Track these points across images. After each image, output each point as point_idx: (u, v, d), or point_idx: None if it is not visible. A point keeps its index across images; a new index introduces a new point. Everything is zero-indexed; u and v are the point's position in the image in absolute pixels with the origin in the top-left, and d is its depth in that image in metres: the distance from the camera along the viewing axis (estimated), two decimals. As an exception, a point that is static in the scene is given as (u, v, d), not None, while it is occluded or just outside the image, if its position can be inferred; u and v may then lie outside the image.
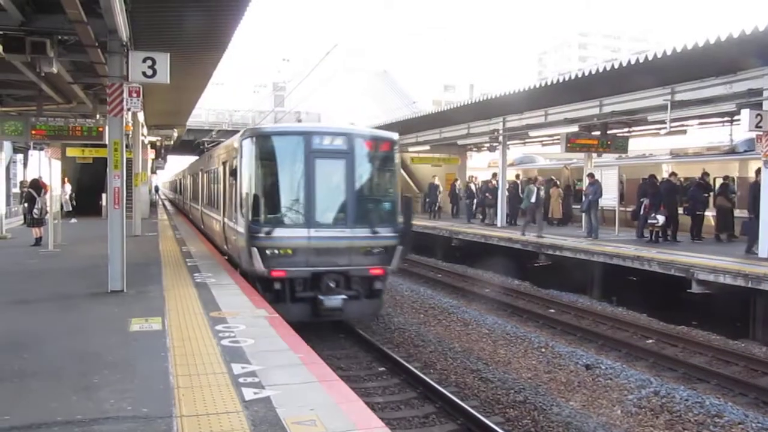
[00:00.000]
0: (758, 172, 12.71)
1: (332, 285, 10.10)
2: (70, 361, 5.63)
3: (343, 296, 10.09)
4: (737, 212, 15.93)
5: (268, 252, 9.97)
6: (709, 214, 16.66)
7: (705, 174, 16.63)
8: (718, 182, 16.89)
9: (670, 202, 15.50)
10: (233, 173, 11.42)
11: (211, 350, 6.00)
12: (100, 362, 5.56)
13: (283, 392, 4.83)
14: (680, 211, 16.19)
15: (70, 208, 19.25)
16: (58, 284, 9.87)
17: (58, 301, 8.52)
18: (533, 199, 17.22)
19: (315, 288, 10.09)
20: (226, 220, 12.77)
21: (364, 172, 10.91)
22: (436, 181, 26.19)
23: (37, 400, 4.64)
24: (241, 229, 10.56)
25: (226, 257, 12.99)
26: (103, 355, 5.80)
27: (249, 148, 10.51)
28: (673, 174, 16.23)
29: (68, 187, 23.46)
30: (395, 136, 11.70)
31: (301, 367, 5.58)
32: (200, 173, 19.92)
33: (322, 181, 10.31)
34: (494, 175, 22.64)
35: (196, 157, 26.07)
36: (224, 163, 13.16)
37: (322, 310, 9.98)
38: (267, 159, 10.52)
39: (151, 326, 6.94)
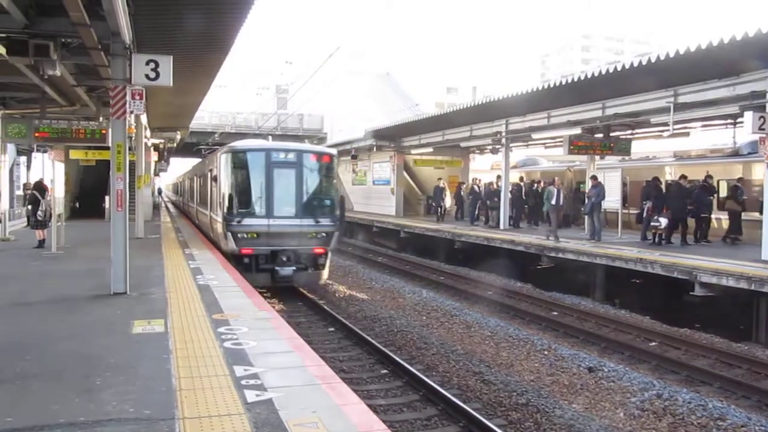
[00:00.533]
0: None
1: (285, 260, 13.53)
2: (72, 363, 5.63)
3: (294, 268, 13.60)
4: (744, 215, 15.87)
5: (239, 236, 13.50)
6: (714, 216, 16.60)
7: (708, 176, 16.59)
8: (721, 184, 16.88)
9: (679, 206, 15.47)
10: (215, 179, 15.21)
11: (213, 352, 6.00)
12: (103, 364, 5.57)
13: (285, 394, 4.83)
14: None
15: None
16: (60, 286, 9.88)
17: (61, 302, 8.54)
18: (554, 201, 16.97)
19: (273, 262, 13.51)
20: (211, 213, 16.37)
21: (309, 178, 14.23)
22: (442, 184, 25.73)
23: (39, 401, 4.65)
24: (220, 219, 14.17)
25: (214, 244, 16.03)
26: (105, 357, 5.81)
27: (225, 160, 14.21)
28: (683, 177, 16.11)
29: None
30: (334, 151, 15.80)
31: (303, 369, 5.59)
32: (194, 178, 23.94)
33: (279, 185, 13.71)
34: (499, 177, 22.61)
35: (199, 160, 29.40)
36: (210, 171, 16.74)
37: (278, 278, 13.41)
38: (239, 168, 14.06)
39: (154, 328, 6.95)
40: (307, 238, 13.89)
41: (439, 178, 26.10)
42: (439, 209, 25.32)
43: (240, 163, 14.11)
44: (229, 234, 13.53)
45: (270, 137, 17.86)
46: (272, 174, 13.73)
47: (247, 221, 13.60)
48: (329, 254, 14.41)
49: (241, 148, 14.68)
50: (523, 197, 22.25)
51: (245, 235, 13.53)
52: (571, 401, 8.20)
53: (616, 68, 13.17)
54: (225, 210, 13.79)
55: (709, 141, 24.39)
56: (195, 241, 17.91)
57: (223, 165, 14.35)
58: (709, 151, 22.24)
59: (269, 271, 13.47)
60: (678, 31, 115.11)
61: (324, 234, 14.06)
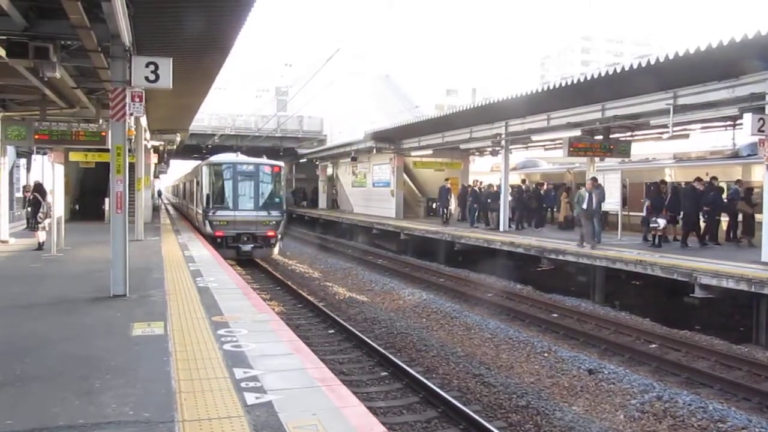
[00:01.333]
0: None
1: (246, 240, 18.93)
2: (72, 366, 5.63)
3: (252, 246, 19.02)
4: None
5: (213, 223, 18.78)
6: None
7: (713, 178, 16.53)
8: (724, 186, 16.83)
9: (693, 208, 15.45)
10: (198, 183, 20.88)
11: (213, 354, 6.00)
12: (102, 366, 5.57)
13: (284, 397, 4.83)
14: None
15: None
16: (60, 288, 9.88)
17: (61, 305, 8.53)
18: (585, 205, 15.73)
19: (238, 241, 18.88)
20: (196, 208, 21.99)
21: (263, 183, 19.74)
22: (449, 185, 25.02)
23: (38, 404, 4.64)
24: (201, 211, 19.67)
25: (198, 230, 21.59)
26: (105, 359, 5.80)
27: (206, 170, 19.82)
28: (698, 179, 16.03)
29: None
30: (281, 163, 21.58)
31: (302, 371, 5.59)
32: (187, 182, 30.93)
33: (242, 188, 19.33)
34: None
35: (198, 162, 32.58)
36: (196, 177, 22.56)
37: (241, 252, 18.86)
38: (214, 176, 19.57)
39: (153, 330, 6.95)
40: (261, 225, 19.23)
41: (447, 179, 25.50)
42: (445, 211, 24.64)
43: (215, 172, 19.74)
44: (207, 221, 18.94)
45: (239, 153, 22.51)
46: (237, 180, 19.43)
47: (219, 213, 18.97)
48: (279, 236, 19.74)
49: (217, 162, 20.51)
50: (524, 199, 22.13)
51: (218, 222, 18.88)
52: (572, 403, 8.20)
53: (615, 70, 13.17)
54: (204, 205, 19.17)
55: (708, 143, 24.41)
56: (194, 243, 17.92)
57: (204, 173, 19.98)
58: (709, 153, 22.24)
59: (235, 248, 18.83)
60: (678, 33, 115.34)
61: (274, 222, 19.46)
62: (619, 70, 13.03)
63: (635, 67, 12.40)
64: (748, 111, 12.18)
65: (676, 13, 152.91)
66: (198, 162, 27.68)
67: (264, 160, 21.81)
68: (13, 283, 10.33)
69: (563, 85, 14.86)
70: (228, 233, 18.77)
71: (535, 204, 22.36)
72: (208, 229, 18.82)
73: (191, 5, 9.15)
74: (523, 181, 23.83)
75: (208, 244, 17.63)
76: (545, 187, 23.32)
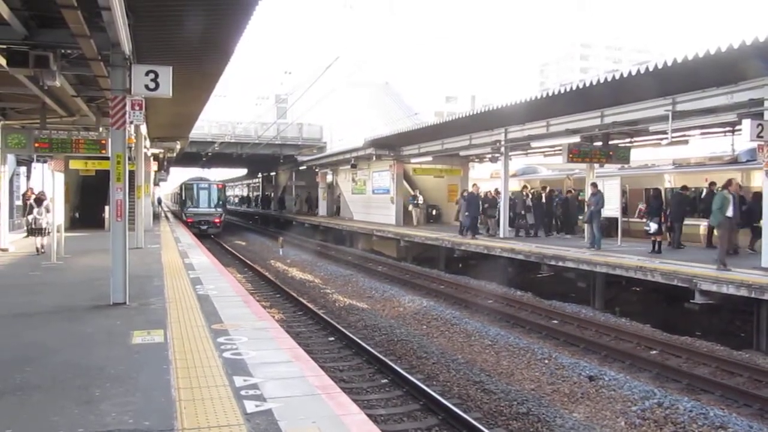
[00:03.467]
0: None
1: (203, 223, 34.73)
2: (72, 374, 5.62)
3: (206, 227, 34.64)
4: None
5: (187, 214, 35.68)
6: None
7: (712, 183, 16.52)
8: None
9: (679, 213, 15.40)
10: (179, 193, 42.06)
11: (213, 363, 6.00)
12: (102, 375, 5.56)
13: (284, 405, 4.83)
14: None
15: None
16: (60, 296, 9.88)
17: (61, 313, 8.53)
18: (729, 212, 12.46)
19: (199, 224, 34.29)
20: (180, 207, 41.66)
21: (213, 193, 36.40)
22: (476, 190, 21.59)
23: (39, 413, 4.64)
24: (181, 208, 39.81)
25: (180, 220, 37.88)
26: (105, 367, 5.80)
27: (184, 186, 39.32)
28: (684, 187, 15.93)
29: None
30: (222, 182, 43.65)
31: (302, 379, 5.58)
32: (175, 192, 52.14)
33: (201, 196, 35.98)
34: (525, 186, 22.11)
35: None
36: (179, 190, 43.09)
37: (201, 230, 33.11)
38: (187, 189, 37.34)
39: (153, 339, 6.95)
40: (211, 216, 35.22)
41: (474, 184, 23.24)
42: (485, 221, 22.56)
43: (188, 188, 37.11)
44: (184, 213, 36.52)
45: (204, 173, 41.13)
46: (200, 192, 35.86)
47: (190, 209, 35.42)
48: (221, 222, 36.24)
49: (189, 181, 38.63)
50: (523, 204, 22.01)
51: (189, 214, 35.19)
52: (572, 410, 8.18)
53: (614, 77, 13.19)
54: (182, 204, 37.19)
55: (708, 148, 24.44)
56: (194, 250, 17.93)
57: (183, 188, 38.39)
58: (708, 159, 22.26)
59: (198, 228, 33.23)
60: (678, 39, 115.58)
61: (218, 214, 35.73)
62: (618, 77, 13.06)
63: (634, 73, 12.42)
64: (746, 117, 12.19)
65: (675, 19, 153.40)
66: (187, 177, 46.22)
67: (213, 180, 41.61)
68: (13, 291, 10.33)
69: (562, 91, 14.87)
70: (195, 219, 34.80)
71: (560, 210, 22.23)
72: (185, 217, 36.18)
73: (191, 14, 9.17)
74: (544, 188, 23.18)
75: (209, 253, 17.65)
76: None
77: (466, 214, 20.77)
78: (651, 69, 12.02)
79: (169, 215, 49.58)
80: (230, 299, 9.76)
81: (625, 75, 12.78)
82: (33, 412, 4.67)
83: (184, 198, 37.31)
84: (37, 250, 15.05)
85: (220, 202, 36.93)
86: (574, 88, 14.58)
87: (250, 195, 75.20)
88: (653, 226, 15.31)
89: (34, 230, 15.84)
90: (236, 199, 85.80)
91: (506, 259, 17.48)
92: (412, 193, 29.62)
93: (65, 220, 17.09)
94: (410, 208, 28.90)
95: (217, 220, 35.24)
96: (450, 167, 28.24)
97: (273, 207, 51.70)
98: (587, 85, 14.06)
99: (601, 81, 13.47)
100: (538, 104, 16.70)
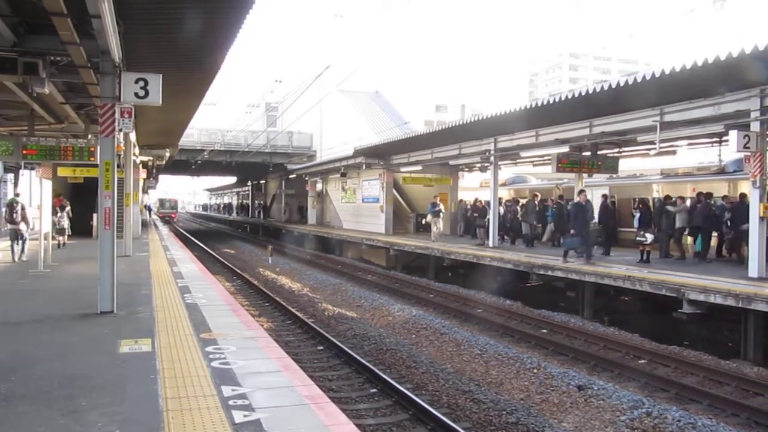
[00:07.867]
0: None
1: (167, 216, 70.26)
2: (58, 384, 5.56)
3: (168, 219, 69.11)
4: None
5: (160, 213, 72.96)
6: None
7: (709, 194, 16.61)
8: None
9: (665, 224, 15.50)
10: (162, 203, 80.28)
11: (201, 372, 5.96)
12: (89, 385, 5.51)
13: (273, 415, 4.80)
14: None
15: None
16: (47, 305, 9.78)
17: (47, 322, 8.44)
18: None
19: (165, 217, 69.42)
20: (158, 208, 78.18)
21: (171, 202, 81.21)
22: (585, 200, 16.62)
23: (24, 423, 4.58)
24: (156, 209, 74.93)
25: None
26: (92, 377, 5.74)
27: (157, 200, 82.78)
28: (667, 197, 16.01)
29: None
30: (178, 196, 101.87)
31: (291, 389, 5.55)
32: (157, 202, 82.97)
33: (167, 204, 79.12)
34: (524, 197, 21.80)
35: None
36: (157, 201, 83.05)
37: (167, 219, 66.49)
38: (159, 201, 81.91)
39: (141, 348, 6.89)
40: (171, 213, 73.54)
41: (582, 190, 18.65)
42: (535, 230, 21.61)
43: (161, 200, 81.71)
44: (158, 211, 73.62)
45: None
46: (167, 203, 79.02)
47: (162, 210, 73.76)
48: (177, 218, 76.05)
49: (161, 198, 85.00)
50: (518, 215, 21.94)
51: (161, 213, 71.58)
52: (561, 420, 8.19)
53: (603, 87, 13.30)
54: (157, 209, 73.89)
55: (696, 159, 24.66)
56: (183, 259, 17.84)
57: (158, 201, 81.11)
58: (696, 169, 22.46)
59: (163, 219, 63.33)
60: (665, 51, 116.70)
61: (175, 211, 77.68)
62: (606, 88, 13.16)
63: (622, 84, 12.53)
64: (733, 128, 12.32)
65: (663, 30, 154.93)
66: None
67: (174, 197, 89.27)
68: (-1, 300, 10.23)
69: (552, 102, 14.97)
70: (164, 214, 69.69)
71: (534, 219, 22.13)
72: (159, 215, 68.67)
73: (181, 22, 9.17)
74: (561, 197, 22.24)
75: (197, 261, 17.79)
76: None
77: (572, 232, 15.89)
78: (639, 80, 12.13)
79: (158, 223, 49.42)
80: (219, 308, 9.71)
81: (613, 86, 12.88)
82: (18, 422, 4.61)
83: (156, 205, 76.20)
84: (14, 258, 15.03)
85: (175, 205, 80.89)
86: (563, 98, 14.69)
87: (241, 203, 76.09)
88: (649, 237, 15.38)
89: (59, 231, 18.99)
90: (225, 207, 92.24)
91: (495, 268, 17.50)
92: (432, 200, 24.60)
93: (52, 228, 16.94)
94: (428, 218, 24.09)
95: (173, 215, 72.96)
96: (440, 176, 28.32)
97: (257, 214, 54.30)
98: (576, 96, 14.16)
99: (590, 92, 13.57)
100: (527, 114, 16.79)
